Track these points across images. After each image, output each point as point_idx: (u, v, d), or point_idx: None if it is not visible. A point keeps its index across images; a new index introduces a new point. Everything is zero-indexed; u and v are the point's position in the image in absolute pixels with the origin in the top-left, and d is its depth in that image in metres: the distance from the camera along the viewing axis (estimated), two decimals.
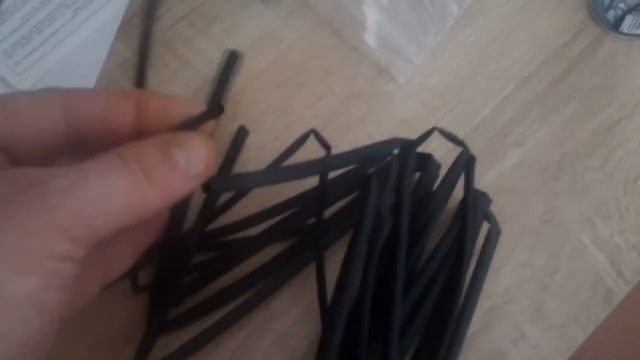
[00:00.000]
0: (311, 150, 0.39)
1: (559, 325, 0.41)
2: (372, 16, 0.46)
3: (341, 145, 0.44)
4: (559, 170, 0.45)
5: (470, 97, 0.47)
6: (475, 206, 0.39)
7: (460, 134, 0.45)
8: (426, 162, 0.41)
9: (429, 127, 0.44)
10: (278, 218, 0.40)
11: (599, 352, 0.39)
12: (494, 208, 0.43)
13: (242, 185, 0.35)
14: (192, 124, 0.28)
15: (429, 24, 0.46)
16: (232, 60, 0.32)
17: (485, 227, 0.41)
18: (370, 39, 0.46)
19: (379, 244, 0.34)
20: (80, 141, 0.28)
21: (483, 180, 0.44)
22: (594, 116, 0.46)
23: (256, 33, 0.47)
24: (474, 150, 0.44)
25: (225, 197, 0.41)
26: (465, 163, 0.39)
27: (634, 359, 0.39)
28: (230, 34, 0.47)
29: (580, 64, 0.47)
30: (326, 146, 0.38)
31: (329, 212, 0.40)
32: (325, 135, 0.44)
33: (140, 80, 0.45)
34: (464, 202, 0.39)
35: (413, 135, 0.40)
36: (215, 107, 0.30)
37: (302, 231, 0.41)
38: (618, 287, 0.42)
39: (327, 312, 0.36)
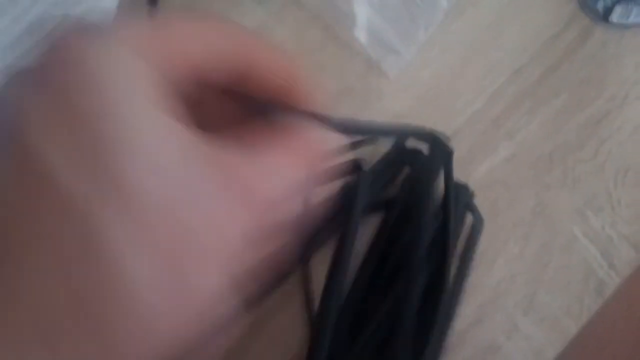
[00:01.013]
0: None
1: (551, 318, 0.42)
2: (362, 12, 0.46)
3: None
4: (550, 163, 0.45)
5: (461, 91, 0.47)
6: (456, 198, 0.39)
7: (452, 127, 0.46)
8: (416, 158, 0.42)
9: (421, 121, 0.45)
10: None
11: (591, 343, 0.40)
12: (486, 201, 0.43)
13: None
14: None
15: (419, 18, 0.46)
16: None
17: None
18: (360, 34, 0.46)
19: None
20: None
21: (475, 174, 0.44)
22: (584, 108, 0.46)
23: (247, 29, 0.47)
24: (465, 144, 0.45)
25: None
26: (444, 156, 0.40)
27: (626, 350, 0.40)
28: None
29: (570, 55, 0.47)
30: None
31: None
32: None
33: None
34: (444, 194, 0.39)
35: None
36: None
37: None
38: (610, 278, 0.42)
39: (315, 318, 0.36)
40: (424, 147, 0.42)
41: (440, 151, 0.39)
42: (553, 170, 0.45)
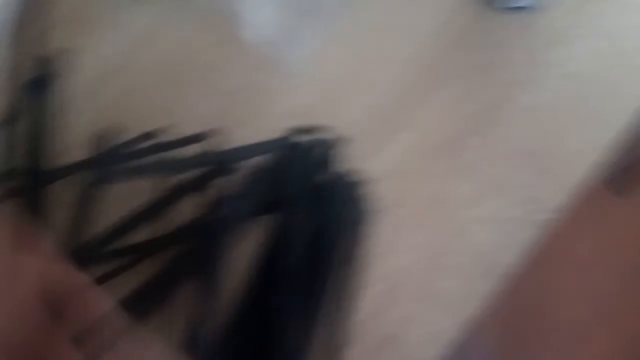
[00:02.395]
0: None
1: (447, 303, 0.42)
2: (252, 11, 0.46)
3: (233, 141, 0.43)
4: (445, 151, 0.45)
5: (356, 84, 0.47)
6: (343, 189, 0.40)
7: (349, 120, 0.46)
8: (308, 153, 0.42)
9: (318, 116, 0.45)
10: None
11: (487, 326, 0.41)
12: (384, 192, 0.44)
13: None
14: None
15: (309, 16, 0.46)
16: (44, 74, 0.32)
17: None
18: (251, 33, 0.46)
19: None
20: None
21: (373, 165, 0.45)
22: (476, 94, 0.47)
23: (134, 35, 0.46)
24: (363, 137, 0.45)
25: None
26: (326, 148, 0.40)
27: (520, 331, 0.41)
28: (107, 38, 0.46)
29: (462, 41, 0.48)
30: None
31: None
32: (216, 131, 0.44)
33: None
34: (327, 185, 0.40)
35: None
36: None
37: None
38: (504, 260, 0.43)
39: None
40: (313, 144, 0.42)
41: (320, 146, 0.40)
42: (448, 158, 0.45)
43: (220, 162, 0.40)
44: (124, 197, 0.41)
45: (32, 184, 0.40)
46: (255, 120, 0.45)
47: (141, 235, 0.41)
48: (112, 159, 0.40)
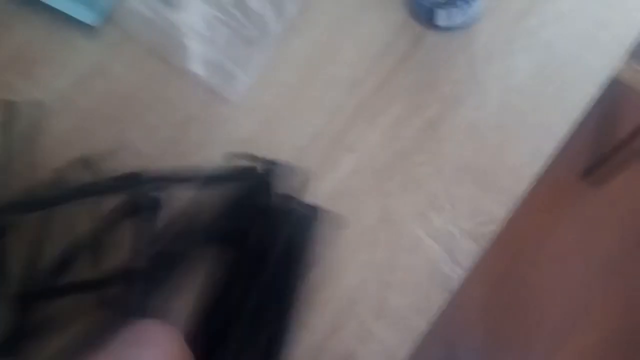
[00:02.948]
0: None
1: (402, 318, 0.44)
2: (194, 43, 0.47)
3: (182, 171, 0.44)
4: (391, 170, 0.47)
5: (303, 109, 0.48)
6: (291, 211, 0.41)
7: (296, 146, 0.47)
8: (257, 179, 0.43)
9: (266, 143, 0.46)
10: None
11: (473, 325, 0.42)
12: (333, 214, 0.45)
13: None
14: None
15: (252, 44, 0.48)
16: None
17: None
18: (197, 64, 0.47)
19: None
20: None
21: (321, 188, 0.46)
22: (420, 112, 0.48)
23: (82, 70, 0.47)
24: (310, 161, 0.46)
25: None
26: (275, 173, 0.41)
27: (505, 328, 0.42)
28: (56, 74, 0.47)
29: (404, 62, 0.49)
30: None
31: None
32: (165, 163, 0.45)
33: None
34: (277, 210, 0.41)
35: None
36: None
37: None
38: (454, 273, 0.45)
39: None
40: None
41: (269, 171, 0.41)
42: (395, 177, 0.47)
43: (156, 187, 0.40)
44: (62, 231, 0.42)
45: None
46: (205, 148, 0.46)
47: (81, 268, 0.42)
48: (59, 198, 0.41)
